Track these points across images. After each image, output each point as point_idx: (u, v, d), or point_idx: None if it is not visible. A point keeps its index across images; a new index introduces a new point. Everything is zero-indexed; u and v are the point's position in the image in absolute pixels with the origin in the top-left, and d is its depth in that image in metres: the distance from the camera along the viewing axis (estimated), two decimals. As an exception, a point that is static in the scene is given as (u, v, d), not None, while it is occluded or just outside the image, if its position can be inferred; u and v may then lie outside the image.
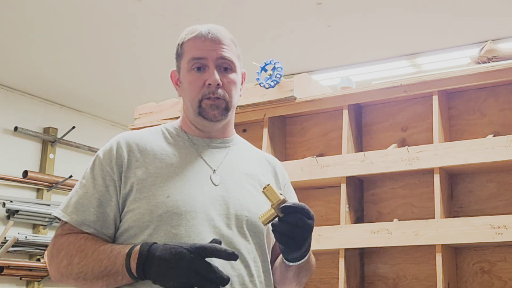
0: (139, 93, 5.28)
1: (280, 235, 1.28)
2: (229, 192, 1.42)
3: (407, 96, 2.42)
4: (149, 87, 5.20)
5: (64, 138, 5.67)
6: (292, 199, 1.60)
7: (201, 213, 1.35)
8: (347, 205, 2.40)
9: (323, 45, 4.36)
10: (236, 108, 1.56)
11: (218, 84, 1.43)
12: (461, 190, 2.34)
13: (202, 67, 1.45)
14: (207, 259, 1.20)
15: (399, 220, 2.32)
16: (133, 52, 4.57)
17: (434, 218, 2.19)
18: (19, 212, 5.13)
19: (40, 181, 5.45)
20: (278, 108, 2.65)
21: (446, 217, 2.21)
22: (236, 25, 3.90)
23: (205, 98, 1.44)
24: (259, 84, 2.60)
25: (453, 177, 2.35)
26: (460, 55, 4.27)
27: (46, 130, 5.67)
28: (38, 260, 5.25)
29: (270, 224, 1.29)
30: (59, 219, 1.40)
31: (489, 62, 2.35)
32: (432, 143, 2.27)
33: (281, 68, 2.57)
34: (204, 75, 1.44)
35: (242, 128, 2.83)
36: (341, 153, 2.47)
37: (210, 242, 1.24)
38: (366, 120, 2.61)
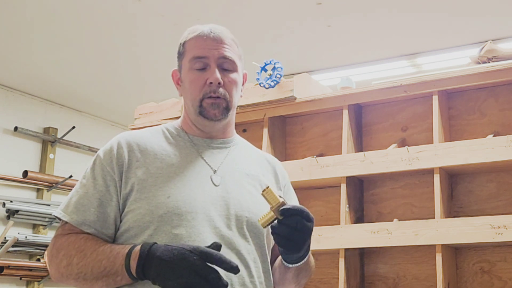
0: (139, 93, 5.28)
1: (279, 237, 1.28)
2: (229, 193, 1.42)
3: (407, 96, 2.42)
4: (149, 87, 5.21)
5: (64, 138, 5.67)
6: (292, 199, 1.61)
7: (202, 214, 1.35)
8: (347, 205, 2.40)
9: (323, 45, 4.36)
10: (236, 108, 1.56)
11: (219, 83, 1.44)
12: (461, 190, 2.34)
13: (204, 66, 1.45)
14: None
15: (399, 220, 2.32)
16: (133, 52, 4.57)
17: (434, 218, 2.19)
18: (19, 212, 5.13)
19: (40, 181, 5.45)
20: (278, 108, 2.65)
21: (446, 217, 2.21)
22: (236, 25, 3.89)
23: (206, 97, 1.44)
24: (259, 84, 2.60)
25: (453, 177, 2.35)
26: (460, 55, 4.27)
27: (46, 130, 5.67)
28: (38, 260, 5.25)
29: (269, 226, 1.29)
30: (59, 219, 1.40)
31: (489, 62, 2.35)
32: (432, 143, 2.27)
33: (281, 68, 2.57)
34: (206, 74, 1.45)
35: (242, 128, 2.83)
36: (341, 153, 2.47)
37: (211, 245, 1.24)
38: (366, 120, 2.61)
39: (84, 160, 5.82)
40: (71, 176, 5.52)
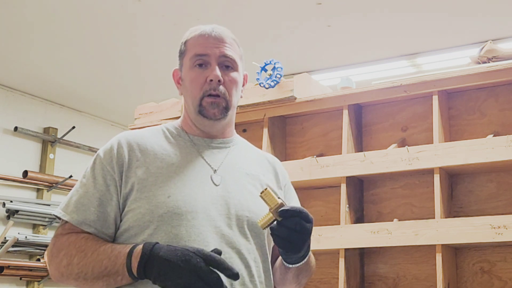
0: (139, 93, 5.28)
1: (279, 239, 1.28)
2: (230, 192, 1.42)
3: (407, 96, 2.42)
4: (149, 87, 5.21)
5: (64, 138, 5.67)
6: (293, 199, 1.61)
7: (202, 213, 1.35)
8: (347, 205, 2.40)
9: (323, 45, 4.36)
10: (236, 108, 1.56)
11: (219, 81, 1.44)
12: (461, 190, 2.34)
13: (204, 64, 1.46)
14: None
15: (399, 220, 2.32)
16: (133, 52, 4.57)
17: (434, 218, 2.19)
18: (19, 212, 5.13)
19: (40, 181, 5.45)
20: (278, 108, 2.65)
21: (446, 217, 2.21)
22: (236, 25, 3.89)
23: (206, 95, 1.44)
24: (259, 84, 2.60)
25: (453, 177, 2.35)
26: (460, 55, 4.27)
27: (46, 130, 5.67)
28: (38, 260, 5.25)
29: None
30: (59, 218, 1.40)
31: (489, 62, 2.35)
32: (432, 143, 2.27)
33: (281, 68, 2.57)
34: (206, 72, 1.45)
35: (242, 128, 2.83)
36: (341, 153, 2.47)
37: (213, 250, 1.24)
38: (366, 120, 2.61)
39: (84, 160, 5.81)
40: (71, 176, 5.52)
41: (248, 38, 4.17)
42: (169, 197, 1.35)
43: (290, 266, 1.40)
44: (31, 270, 5.16)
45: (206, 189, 1.39)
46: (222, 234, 1.35)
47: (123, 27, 4.16)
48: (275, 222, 1.27)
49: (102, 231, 1.37)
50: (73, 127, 5.67)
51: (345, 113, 2.51)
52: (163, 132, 1.51)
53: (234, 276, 1.21)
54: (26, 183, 5.38)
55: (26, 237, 5.11)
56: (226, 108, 1.46)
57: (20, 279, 5.22)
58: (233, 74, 1.48)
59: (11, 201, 5.11)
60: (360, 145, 2.58)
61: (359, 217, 2.49)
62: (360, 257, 2.46)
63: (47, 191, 5.54)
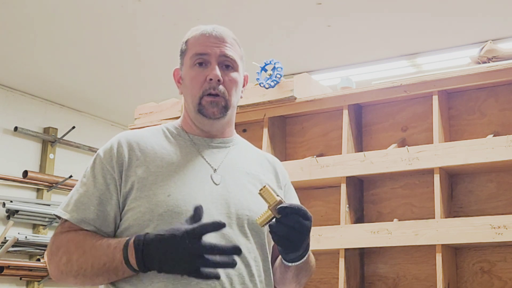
0: (139, 93, 5.28)
1: (277, 236, 1.28)
2: (230, 191, 1.42)
3: (407, 96, 2.42)
4: (149, 87, 5.21)
5: (64, 138, 5.67)
6: (293, 198, 1.61)
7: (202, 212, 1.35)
8: (347, 205, 2.40)
9: (323, 45, 4.36)
10: (236, 108, 1.57)
11: (219, 80, 1.44)
12: (461, 190, 2.34)
13: (204, 63, 1.46)
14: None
15: (399, 220, 2.32)
16: (133, 52, 4.57)
17: (434, 218, 2.19)
18: (19, 212, 5.13)
19: (40, 181, 5.45)
20: (278, 108, 2.65)
21: (446, 217, 2.21)
22: (236, 25, 3.88)
23: (206, 94, 1.45)
24: (259, 84, 2.60)
25: (453, 177, 2.35)
26: (460, 55, 4.27)
27: (46, 130, 5.67)
28: (38, 260, 5.24)
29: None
30: (59, 217, 1.40)
31: (489, 62, 2.35)
32: (432, 143, 2.27)
33: (281, 68, 2.57)
34: (206, 70, 1.45)
35: (242, 128, 2.83)
36: (341, 153, 2.47)
37: (194, 211, 1.25)
38: (366, 120, 2.61)
39: (84, 160, 5.81)
40: (71, 176, 5.51)
41: (248, 38, 4.17)
42: (169, 196, 1.35)
43: (290, 264, 1.39)
44: (31, 270, 5.16)
45: (206, 188, 1.40)
46: (222, 233, 1.35)
47: (123, 27, 4.16)
48: (273, 220, 1.27)
49: (101, 229, 1.37)
50: (73, 127, 5.67)
51: (345, 113, 2.51)
52: (163, 132, 1.51)
53: (220, 226, 1.21)
54: (26, 183, 5.38)
55: (26, 237, 5.11)
56: (225, 108, 1.46)
57: (20, 279, 5.21)
58: (233, 74, 1.48)
59: (11, 201, 5.11)
60: (360, 145, 2.58)
61: (359, 217, 2.49)
62: (360, 257, 2.46)
63: (47, 191, 5.54)
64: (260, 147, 2.55)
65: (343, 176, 2.42)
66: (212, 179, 1.42)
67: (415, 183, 2.43)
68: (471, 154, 2.15)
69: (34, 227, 5.41)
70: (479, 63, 2.39)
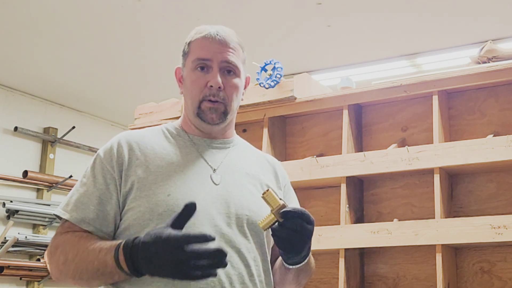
0: (139, 93, 5.28)
1: (280, 240, 1.28)
2: (229, 192, 1.42)
3: (407, 96, 2.42)
4: (149, 87, 5.21)
5: (64, 138, 5.67)
6: (293, 199, 1.61)
7: (202, 212, 1.35)
8: (347, 205, 2.40)
9: (323, 45, 4.36)
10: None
11: (219, 87, 1.44)
12: (461, 190, 2.34)
13: (206, 67, 1.45)
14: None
15: (399, 220, 2.32)
16: (133, 52, 4.57)
17: (434, 218, 2.19)
18: (19, 212, 5.13)
19: (40, 181, 5.45)
20: (278, 108, 2.65)
21: (446, 217, 2.21)
22: (236, 25, 3.87)
23: (206, 99, 1.44)
24: (259, 84, 2.60)
25: (453, 177, 2.35)
26: (460, 55, 4.27)
27: (46, 130, 5.67)
28: (38, 260, 5.24)
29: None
30: (59, 217, 1.40)
31: (489, 62, 2.35)
32: (432, 143, 2.27)
33: (281, 68, 2.57)
34: (207, 76, 1.45)
35: (242, 128, 2.83)
36: (341, 153, 2.47)
37: (184, 209, 1.21)
38: (366, 120, 2.61)
39: (84, 160, 5.81)
40: (71, 176, 5.51)
41: (248, 38, 4.17)
42: (169, 196, 1.35)
43: (290, 267, 1.40)
44: (31, 270, 5.16)
45: (206, 188, 1.40)
46: (221, 233, 1.35)
47: (123, 27, 4.16)
48: (276, 223, 1.27)
49: (101, 229, 1.37)
50: (73, 127, 5.67)
51: (345, 113, 2.51)
52: (163, 132, 1.51)
53: (206, 239, 1.17)
54: (26, 183, 5.38)
55: (26, 237, 5.11)
56: (225, 113, 1.46)
57: (20, 279, 5.21)
58: (235, 80, 1.47)
59: (11, 201, 5.10)
60: (360, 145, 2.58)
61: (359, 217, 2.49)
62: (360, 257, 2.46)
63: (47, 191, 5.54)
64: (260, 147, 2.55)
65: (343, 176, 2.41)
66: (211, 179, 1.42)
67: (415, 183, 2.43)
68: (471, 154, 2.15)
69: (34, 227, 5.41)
70: (479, 63, 2.39)
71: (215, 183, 1.42)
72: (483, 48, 2.40)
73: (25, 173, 5.28)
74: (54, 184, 5.52)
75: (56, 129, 5.71)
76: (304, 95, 2.62)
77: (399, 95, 2.42)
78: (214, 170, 1.45)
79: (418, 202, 2.42)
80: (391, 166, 2.30)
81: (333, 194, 2.58)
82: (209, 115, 1.45)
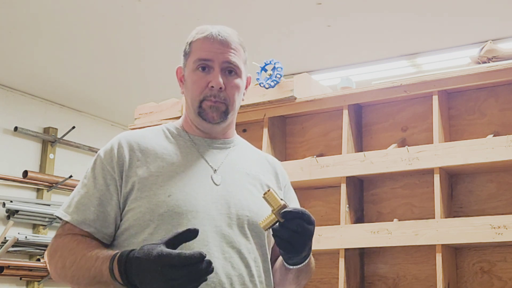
0: (139, 93, 5.28)
1: (281, 240, 1.28)
2: (230, 192, 1.42)
3: (407, 96, 2.42)
4: (149, 87, 5.21)
5: (64, 138, 5.67)
6: (293, 199, 1.61)
7: (202, 213, 1.35)
8: (347, 205, 2.40)
9: (323, 45, 4.36)
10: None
11: (220, 88, 1.44)
12: (461, 190, 2.34)
13: (207, 67, 1.45)
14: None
15: (399, 220, 2.32)
16: (133, 52, 4.57)
17: (434, 218, 2.19)
18: (19, 212, 5.13)
19: (40, 181, 5.45)
20: (278, 108, 2.65)
21: (446, 217, 2.21)
22: (236, 25, 3.87)
23: (207, 99, 1.44)
24: (259, 84, 2.60)
25: (453, 177, 2.35)
26: (460, 55, 4.27)
27: (46, 130, 5.67)
28: (38, 260, 5.24)
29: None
30: (60, 219, 1.40)
31: (489, 62, 2.35)
32: (432, 143, 2.27)
33: (281, 68, 2.57)
34: (208, 76, 1.45)
35: (242, 128, 2.83)
36: (341, 153, 2.47)
37: (185, 231, 1.20)
38: (366, 120, 2.61)
39: (84, 160, 5.81)
40: (71, 176, 5.51)
41: (248, 38, 4.13)
42: (169, 196, 1.35)
43: (291, 267, 1.40)
44: (31, 270, 5.16)
45: (206, 188, 1.40)
46: (222, 234, 1.35)
47: (123, 27, 4.16)
48: (277, 224, 1.28)
49: (101, 230, 1.37)
50: (73, 127, 5.67)
51: (345, 113, 2.51)
52: (164, 132, 1.51)
53: (193, 232, 1.18)
54: (26, 183, 5.38)
55: (26, 237, 5.11)
56: (226, 113, 1.46)
57: (20, 279, 5.21)
58: (236, 81, 1.47)
59: (11, 201, 5.10)
60: (360, 145, 2.58)
61: (359, 217, 2.49)
62: (360, 257, 2.46)
63: (47, 191, 5.54)
64: (260, 147, 2.55)
65: (343, 176, 2.41)
66: (212, 180, 1.42)
67: (415, 183, 2.43)
68: (471, 154, 2.15)
69: (34, 227, 5.41)
70: (479, 63, 2.39)
71: (215, 184, 1.42)
72: (483, 48, 2.40)
73: (25, 173, 5.28)
74: (54, 184, 5.52)
75: (56, 129, 5.71)
76: (304, 95, 2.62)
77: (399, 95, 2.42)
78: (215, 170, 1.45)
79: (418, 202, 2.42)
80: (391, 166, 2.30)
81: (333, 194, 2.58)
82: (210, 113, 1.45)
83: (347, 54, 4.48)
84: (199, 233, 1.32)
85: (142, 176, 1.38)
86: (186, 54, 1.51)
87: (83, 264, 1.29)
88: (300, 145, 2.75)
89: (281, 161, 2.25)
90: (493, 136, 2.21)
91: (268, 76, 2.60)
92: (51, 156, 5.63)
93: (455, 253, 2.29)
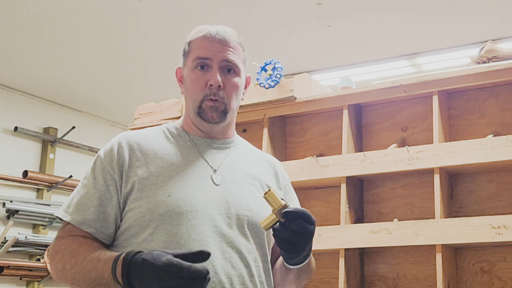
0: (140, 93, 5.28)
1: (281, 240, 1.28)
2: (230, 192, 1.42)
3: (407, 96, 2.42)
4: (150, 87, 5.21)
5: (64, 138, 5.67)
6: (293, 199, 1.61)
7: (202, 213, 1.35)
8: (347, 205, 2.40)
9: (323, 45, 4.36)
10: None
11: (219, 86, 1.44)
12: (461, 190, 2.34)
13: (206, 66, 1.45)
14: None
15: (399, 220, 2.32)
16: (133, 52, 4.58)
17: (434, 218, 2.19)
18: (19, 212, 5.13)
19: (40, 181, 5.45)
20: (278, 108, 2.65)
21: (446, 217, 2.21)
22: (236, 25, 3.87)
23: (206, 99, 1.44)
24: (259, 84, 2.60)
25: (453, 177, 2.35)
26: (460, 55, 4.27)
27: (46, 130, 5.67)
28: (38, 260, 5.25)
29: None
30: (61, 219, 1.40)
31: (489, 62, 2.35)
32: (432, 143, 2.27)
33: (281, 68, 2.57)
34: (207, 75, 1.45)
35: (242, 128, 2.83)
36: (341, 153, 2.47)
37: (197, 252, 1.20)
38: (366, 120, 2.61)
39: (84, 160, 5.81)
40: (71, 176, 5.52)
41: (248, 38, 4.15)
42: (169, 196, 1.35)
43: (291, 267, 1.40)
44: (31, 270, 5.16)
45: (206, 188, 1.40)
46: (222, 234, 1.35)
47: (123, 27, 4.16)
48: (277, 224, 1.28)
49: (102, 230, 1.37)
50: (73, 127, 5.67)
51: (345, 113, 2.51)
52: (164, 132, 1.51)
53: (205, 254, 1.18)
54: (26, 183, 5.38)
55: (26, 237, 5.11)
56: (225, 112, 1.46)
57: (20, 279, 5.22)
58: (235, 79, 1.47)
59: (11, 201, 5.11)
60: (360, 145, 2.58)
61: (359, 217, 2.49)
62: (360, 257, 2.46)
63: (47, 191, 5.54)
64: (260, 147, 2.55)
65: (343, 176, 2.42)
66: (212, 180, 1.42)
67: (415, 183, 2.43)
68: (471, 154, 2.15)
69: (34, 227, 5.41)
70: (479, 63, 2.39)
71: (215, 184, 1.42)
72: (483, 48, 2.40)
73: (25, 173, 5.28)
74: (54, 184, 5.52)
75: (56, 129, 5.71)
76: (304, 95, 2.62)
77: (399, 95, 2.42)
78: (215, 170, 1.45)
79: (418, 202, 2.42)
80: (391, 166, 2.30)
81: (333, 194, 2.58)
82: (210, 113, 1.45)
83: (347, 54, 4.48)
84: (199, 233, 1.33)
85: (142, 176, 1.38)
86: (185, 54, 1.51)
87: (84, 266, 1.29)
88: (300, 145, 2.75)
89: (281, 161, 2.25)
90: (493, 136, 2.21)
91: (268, 76, 2.60)
92: (51, 156, 5.64)
93: (455, 253, 2.29)
